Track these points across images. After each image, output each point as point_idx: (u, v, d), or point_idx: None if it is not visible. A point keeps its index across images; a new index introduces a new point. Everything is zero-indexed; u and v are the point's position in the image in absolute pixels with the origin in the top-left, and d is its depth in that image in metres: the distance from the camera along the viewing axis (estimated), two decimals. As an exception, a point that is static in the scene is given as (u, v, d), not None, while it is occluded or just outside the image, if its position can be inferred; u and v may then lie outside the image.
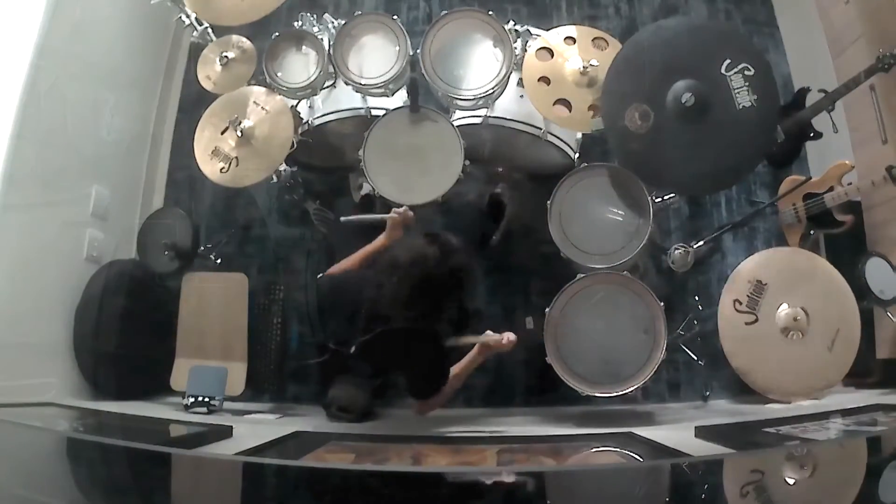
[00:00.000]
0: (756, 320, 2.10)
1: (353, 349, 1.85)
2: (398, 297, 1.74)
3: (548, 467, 1.56)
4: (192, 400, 2.13)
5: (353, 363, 2.08)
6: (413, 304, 1.74)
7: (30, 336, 2.10)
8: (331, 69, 2.25)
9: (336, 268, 2.04)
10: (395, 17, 2.22)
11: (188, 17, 2.41)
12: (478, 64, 2.16)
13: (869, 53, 2.15)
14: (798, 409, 2.01)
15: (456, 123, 2.20)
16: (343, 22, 2.26)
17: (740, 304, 2.12)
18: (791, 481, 1.20)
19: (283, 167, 2.44)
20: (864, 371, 2.18)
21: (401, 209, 2.04)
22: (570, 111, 2.11)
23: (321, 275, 2.05)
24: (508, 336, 1.95)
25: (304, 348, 2.55)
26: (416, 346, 1.86)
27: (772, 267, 2.15)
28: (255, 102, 2.22)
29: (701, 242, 2.48)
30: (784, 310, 2.08)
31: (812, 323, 2.06)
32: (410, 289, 1.73)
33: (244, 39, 2.34)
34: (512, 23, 2.26)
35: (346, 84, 2.22)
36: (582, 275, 2.07)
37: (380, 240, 2.04)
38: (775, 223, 2.57)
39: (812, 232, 2.42)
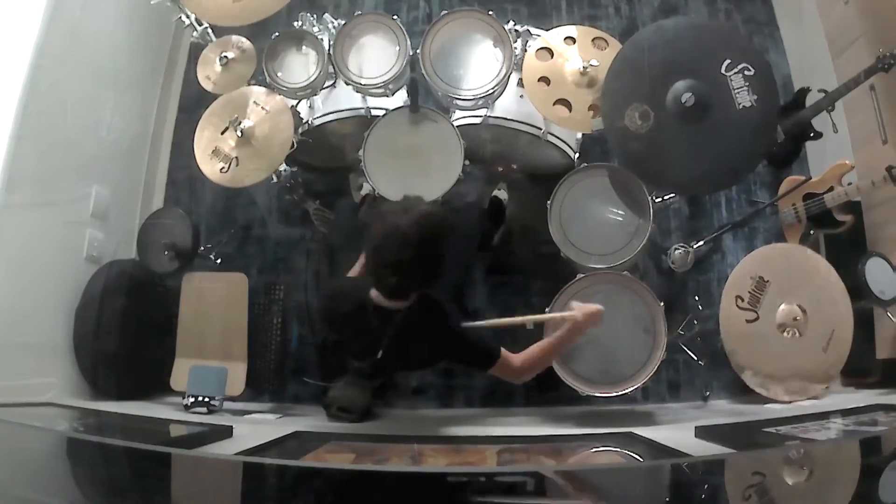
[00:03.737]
0: (757, 318, 2.10)
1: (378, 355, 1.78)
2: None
3: (548, 467, 1.56)
4: (192, 400, 2.13)
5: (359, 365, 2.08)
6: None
7: (30, 336, 2.10)
8: (331, 69, 2.25)
9: None
10: (395, 17, 2.22)
11: (188, 17, 2.40)
12: (478, 64, 2.17)
13: (869, 53, 2.15)
14: (798, 409, 2.01)
15: (456, 123, 2.20)
16: (343, 22, 2.26)
17: (742, 300, 2.12)
18: (792, 482, 1.20)
19: (283, 167, 2.44)
20: (864, 371, 2.18)
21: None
22: (570, 111, 2.11)
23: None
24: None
25: (303, 348, 2.56)
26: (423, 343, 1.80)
27: (775, 263, 2.14)
28: (255, 102, 2.22)
29: (701, 242, 2.49)
30: (783, 307, 2.08)
31: (810, 322, 2.06)
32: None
33: (244, 39, 2.34)
34: (512, 23, 2.26)
35: (346, 84, 2.22)
36: (582, 275, 2.07)
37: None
38: (775, 223, 2.57)
39: (812, 232, 2.42)
